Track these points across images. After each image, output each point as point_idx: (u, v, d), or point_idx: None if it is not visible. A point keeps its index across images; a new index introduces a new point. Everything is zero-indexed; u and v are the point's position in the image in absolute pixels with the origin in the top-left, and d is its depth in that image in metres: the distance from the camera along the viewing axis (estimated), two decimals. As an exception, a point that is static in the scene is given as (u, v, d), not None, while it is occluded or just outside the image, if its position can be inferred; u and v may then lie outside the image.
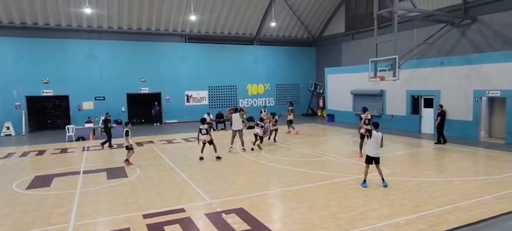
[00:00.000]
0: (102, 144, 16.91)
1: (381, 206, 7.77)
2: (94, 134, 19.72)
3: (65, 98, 24.02)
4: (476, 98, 16.46)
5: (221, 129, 22.02)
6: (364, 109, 13.39)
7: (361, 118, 13.34)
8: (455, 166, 11.62)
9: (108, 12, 23.53)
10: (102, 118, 19.52)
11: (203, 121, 13.43)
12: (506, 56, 15.50)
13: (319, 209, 7.64)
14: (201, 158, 12.94)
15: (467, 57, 17.27)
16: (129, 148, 12.55)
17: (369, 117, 13.05)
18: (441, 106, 15.86)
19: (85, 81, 23.90)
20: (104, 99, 24.46)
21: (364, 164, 9.44)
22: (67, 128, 19.41)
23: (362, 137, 12.60)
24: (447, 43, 19.73)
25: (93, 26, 24.05)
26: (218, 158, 12.97)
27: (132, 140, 12.81)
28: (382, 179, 9.25)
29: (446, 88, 17.74)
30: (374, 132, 9.24)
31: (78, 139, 19.22)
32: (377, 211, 7.47)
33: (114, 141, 17.40)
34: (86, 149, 16.54)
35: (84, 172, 11.72)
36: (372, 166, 9.30)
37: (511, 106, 15.04)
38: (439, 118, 15.41)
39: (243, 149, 14.59)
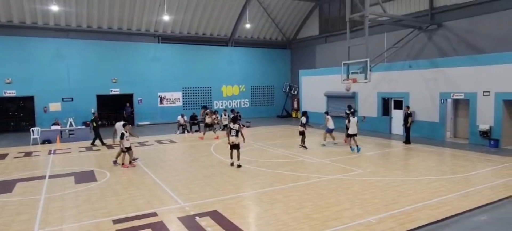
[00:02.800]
0: (92, 143, 17.17)
1: (354, 205, 7.91)
2: (61, 137, 18.92)
3: (30, 99, 22.93)
4: (442, 100, 17.16)
5: (196, 131, 21.73)
6: (350, 107, 17.86)
7: (346, 114, 16.95)
8: (423, 165, 12.04)
9: (77, 10, 22.70)
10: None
11: (234, 119, 12.44)
12: (469, 60, 16.28)
13: (293, 210, 7.67)
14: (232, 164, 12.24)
15: (433, 61, 18.00)
16: (124, 151, 12.25)
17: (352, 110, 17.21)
18: (408, 107, 16.56)
19: (52, 81, 22.92)
20: (72, 100, 23.56)
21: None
22: (32, 130, 18.49)
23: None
24: (415, 47, 20.48)
25: (60, 24, 23.13)
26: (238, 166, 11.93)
27: (128, 142, 12.37)
28: (357, 145, 14.30)
29: (414, 90, 18.39)
30: (352, 118, 14.95)
31: (44, 142, 18.36)
32: (350, 210, 7.59)
33: (81, 144, 16.79)
34: (52, 152, 15.82)
35: (50, 177, 11.19)
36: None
37: (474, 108, 15.79)
38: (410, 119, 16.12)
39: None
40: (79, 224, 7.15)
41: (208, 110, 20.53)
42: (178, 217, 7.40)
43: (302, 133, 15.63)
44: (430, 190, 9.02)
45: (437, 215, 7.22)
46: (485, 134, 15.25)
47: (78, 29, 23.72)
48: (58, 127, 19.63)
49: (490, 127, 15.15)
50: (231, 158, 12.12)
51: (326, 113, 17.17)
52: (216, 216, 7.41)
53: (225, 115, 20.59)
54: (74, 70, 23.64)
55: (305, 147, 15.38)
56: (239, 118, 16.35)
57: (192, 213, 7.63)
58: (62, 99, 23.37)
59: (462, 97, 16.39)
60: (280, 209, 7.80)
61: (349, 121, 15.04)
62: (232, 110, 24.69)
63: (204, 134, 19.24)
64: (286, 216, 7.33)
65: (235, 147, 11.92)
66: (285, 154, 14.40)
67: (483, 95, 15.40)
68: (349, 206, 7.89)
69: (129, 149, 12.42)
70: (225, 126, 22.00)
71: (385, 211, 7.49)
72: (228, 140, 11.98)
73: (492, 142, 14.89)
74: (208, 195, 8.87)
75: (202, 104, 26.42)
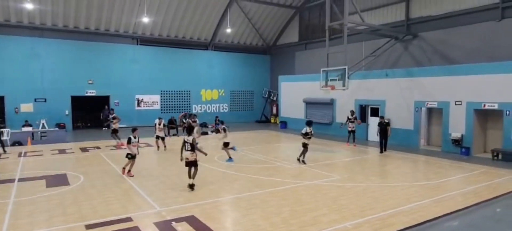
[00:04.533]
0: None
1: (331, 211, 7.99)
2: (32, 139, 18.21)
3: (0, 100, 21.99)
4: (417, 109, 17.69)
5: (173, 135, 21.43)
6: (352, 113, 18.54)
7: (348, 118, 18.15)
8: (398, 172, 12.33)
9: (53, 9, 22.02)
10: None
11: (188, 130, 10.18)
12: (442, 70, 16.89)
13: (271, 215, 7.67)
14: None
15: (409, 70, 18.56)
16: (129, 157, 11.17)
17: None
18: (383, 117, 16.89)
19: (24, 81, 22.06)
20: (45, 101, 22.75)
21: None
22: (1, 131, 17.69)
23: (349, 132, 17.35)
24: (391, 56, 21.06)
25: (35, 22, 22.35)
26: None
27: (136, 148, 11.31)
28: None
29: (390, 98, 18.87)
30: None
31: (14, 144, 17.61)
32: (327, 216, 7.66)
33: (54, 146, 16.21)
34: (22, 154, 15.19)
35: (20, 180, 10.72)
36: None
37: (447, 117, 16.35)
38: (389, 128, 16.26)
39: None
40: (50, 229, 6.88)
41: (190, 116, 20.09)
42: (154, 222, 7.24)
43: (305, 146, 13.21)
44: (405, 196, 9.24)
45: (411, 220, 7.39)
46: (457, 142, 15.80)
47: (53, 28, 23.00)
48: (29, 129, 18.91)
49: (462, 135, 15.72)
50: (190, 177, 9.64)
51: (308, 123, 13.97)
52: (193, 221, 7.31)
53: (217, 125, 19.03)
54: (48, 71, 22.87)
55: (305, 162, 13.16)
56: (193, 123, 14.68)
57: (169, 218, 7.49)
58: (35, 100, 22.52)
59: (436, 106, 16.95)
60: (258, 214, 7.78)
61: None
62: (217, 118, 24.53)
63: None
64: (264, 222, 7.31)
65: (190, 164, 9.58)
66: (263, 159, 14.40)
67: (455, 104, 15.98)
68: (326, 211, 7.96)
69: (133, 157, 11.21)
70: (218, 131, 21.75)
71: (361, 217, 7.60)
72: (181, 156, 9.68)
73: (463, 150, 15.44)
74: (185, 200, 8.74)
75: (185, 112, 26.15)
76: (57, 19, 22.78)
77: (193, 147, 9.55)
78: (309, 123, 13.58)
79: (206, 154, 10.26)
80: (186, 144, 9.59)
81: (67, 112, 23.53)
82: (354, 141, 17.92)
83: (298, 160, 13.33)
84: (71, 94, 23.66)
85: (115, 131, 17.74)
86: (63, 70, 23.27)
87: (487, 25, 17.08)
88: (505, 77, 14.35)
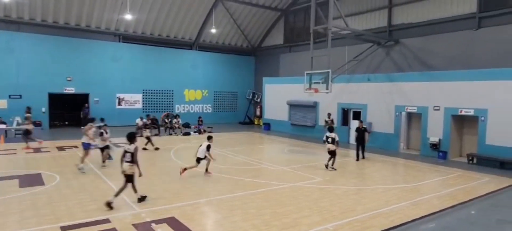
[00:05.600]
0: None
1: (312, 213, 8.01)
2: (5, 136, 17.55)
3: (-28, 95, 21.13)
4: (397, 113, 18.03)
5: (155, 135, 21.08)
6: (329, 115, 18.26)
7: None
8: (378, 174, 12.52)
9: (31, 2, 21.33)
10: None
11: (130, 137, 8.48)
12: (422, 76, 17.30)
13: (252, 217, 7.62)
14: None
15: (390, 75, 18.92)
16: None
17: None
18: (361, 122, 15.80)
19: (-2, 77, 21.29)
20: (20, 97, 21.96)
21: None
22: (-27, 128, 17.02)
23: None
24: (373, 61, 21.42)
25: (11, 16, 21.59)
26: None
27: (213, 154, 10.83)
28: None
29: (372, 102, 19.17)
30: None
31: (-14, 141, 16.94)
32: (308, 218, 7.68)
33: (29, 144, 15.66)
34: (-5, 152, 14.62)
35: (-9, 179, 10.31)
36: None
37: (426, 122, 16.74)
38: (367, 135, 15.38)
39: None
40: (22, 231, 6.62)
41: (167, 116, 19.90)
42: (133, 224, 7.08)
43: (333, 153, 12.71)
44: (384, 198, 9.37)
45: (389, 223, 7.50)
46: (435, 146, 16.19)
47: (31, 22, 22.27)
48: (3, 126, 18.24)
49: (439, 140, 16.12)
50: (118, 194, 8.12)
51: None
52: (173, 222, 7.18)
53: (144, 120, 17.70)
54: (25, 66, 22.11)
55: (335, 169, 12.72)
56: (157, 124, 14.15)
57: (148, 219, 7.33)
58: (9, 96, 21.72)
59: (415, 111, 17.33)
60: (239, 216, 7.72)
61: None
62: (199, 119, 24.37)
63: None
64: (245, 223, 7.26)
65: (127, 179, 8.14)
66: (246, 160, 14.35)
67: (434, 109, 16.38)
68: (308, 213, 7.98)
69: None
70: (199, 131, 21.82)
71: (342, 219, 7.66)
72: (121, 167, 8.24)
73: (440, 154, 15.84)
74: (166, 201, 8.59)
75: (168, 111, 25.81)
76: (35, 13, 22.08)
77: (133, 157, 8.04)
78: (332, 128, 13.43)
79: (140, 174, 8.32)
80: (126, 154, 8.08)
81: (43, 110, 22.79)
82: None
83: (326, 166, 12.87)
84: (49, 91, 22.96)
85: (28, 132, 16.09)
86: (40, 66, 22.55)
87: (465, 34, 17.61)
88: (481, 85, 14.82)
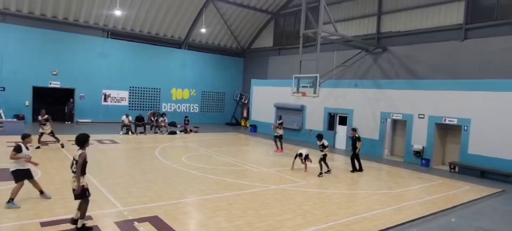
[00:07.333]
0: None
1: (296, 215, 8.06)
2: (-13, 129, 17.11)
3: (-48, 86, 20.52)
4: (382, 120, 18.30)
5: (140, 133, 20.88)
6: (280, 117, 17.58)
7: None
8: (362, 180, 12.67)
9: (17, -7, 20.89)
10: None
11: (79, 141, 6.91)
12: (408, 84, 17.62)
13: (236, 218, 7.62)
14: None
15: (377, 82, 19.21)
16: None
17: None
18: (355, 130, 14.46)
19: (-19, 68, 20.74)
20: (3, 90, 21.44)
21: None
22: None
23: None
24: (361, 68, 21.71)
25: (-4, 6, 21.12)
26: None
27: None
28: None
29: (358, 108, 19.41)
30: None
31: (-35, 134, 16.46)
32: (291, 220, 7.72)
33: (11, 138, 15.26)
34: (-26, 145, 14.22)
35: (-31, 172, 10.02)
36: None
37: (410, 129, 17.03)
38: (359, 144, 13.75)
39: None
40: (1, 226, 6.45)
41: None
42: (115, 222, 6.99)
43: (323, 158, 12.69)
44: (368, 203, 9.50)
45: (372, 228, 7.60)
46: (418, 153, 16.48)
47: (17, 14, 21.78)
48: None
49: (423, 147, 16.41)
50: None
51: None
52: (156, 221, 7.12)
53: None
54: (9, 58, 21.59)
55: (330, 171, 12.89)
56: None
57: (131, 218, 7.26)
58: (-8, 88, 21.22)
59: (400, 118, 17.62)
60: (223, 216, 7.71)
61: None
62: (186, 118, 24.15)
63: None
64: (229, 224, 7.26)
65: (76, 196, 6.54)
66: (231, 161, 14.34)
67: (418, 117, 16.69)
68: (291, 216, 8.03)
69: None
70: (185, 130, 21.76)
71: (325, 222, 7.72)
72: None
73: (423, 161, 16.13)
74: (149, 200, 8.51)
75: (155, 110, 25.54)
76: (22, 4, 21.60)
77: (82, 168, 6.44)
78: (320, 136, 13.51)
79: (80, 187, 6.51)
80: (74, 162, 6.58)
81: (27, 103, 22.31)
82: (281, 147, 17.37)
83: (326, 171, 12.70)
84: (33, 85, 22.48)
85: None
86: (25, 59, 22.05)
87: (451, 44, 18.02)
88: (465, 95, 15.18)
